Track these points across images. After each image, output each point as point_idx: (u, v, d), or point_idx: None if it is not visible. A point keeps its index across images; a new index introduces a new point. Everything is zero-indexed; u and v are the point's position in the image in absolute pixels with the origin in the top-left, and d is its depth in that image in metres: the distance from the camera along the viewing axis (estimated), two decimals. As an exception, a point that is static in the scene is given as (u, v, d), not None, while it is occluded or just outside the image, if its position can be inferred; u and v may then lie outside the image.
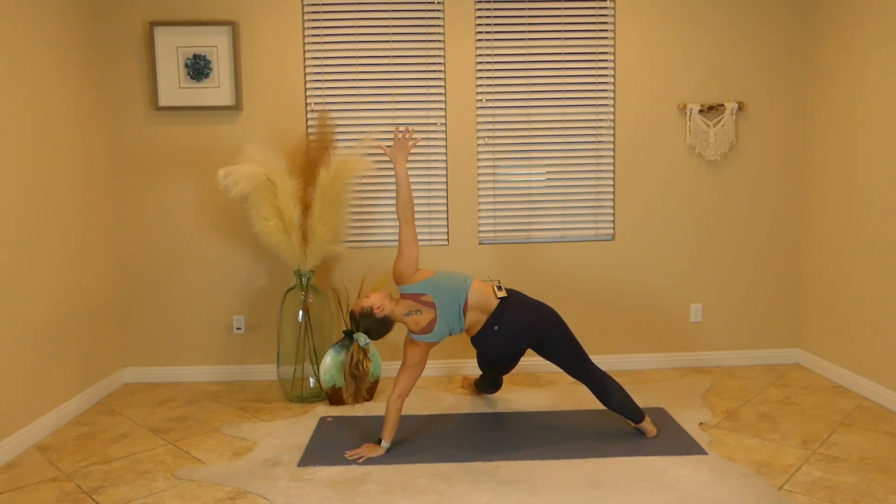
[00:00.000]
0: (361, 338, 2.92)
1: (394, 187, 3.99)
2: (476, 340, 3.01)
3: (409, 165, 3.98)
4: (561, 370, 3.92)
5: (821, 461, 2.76)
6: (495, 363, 3.09)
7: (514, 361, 3.09)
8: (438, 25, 3.92)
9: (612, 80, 3.99)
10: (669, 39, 3.96)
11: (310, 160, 3.68)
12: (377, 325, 2.91)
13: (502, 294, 2.98)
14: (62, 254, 3.37)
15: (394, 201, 3.99)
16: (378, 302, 2.91)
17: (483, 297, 2.96)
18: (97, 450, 3.00)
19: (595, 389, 3.00)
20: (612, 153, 4.02)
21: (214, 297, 3.98)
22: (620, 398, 2.99)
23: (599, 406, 3.40)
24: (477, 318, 2.97)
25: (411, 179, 3.98)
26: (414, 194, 3.99)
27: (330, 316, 3.70)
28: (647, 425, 3.01)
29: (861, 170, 3.55)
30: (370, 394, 3.59)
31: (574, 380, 3.88)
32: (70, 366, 3.43)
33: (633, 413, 3.00)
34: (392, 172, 3.97)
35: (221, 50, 3.82)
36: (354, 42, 3.91)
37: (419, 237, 4.01)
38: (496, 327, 2.94)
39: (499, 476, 2.64)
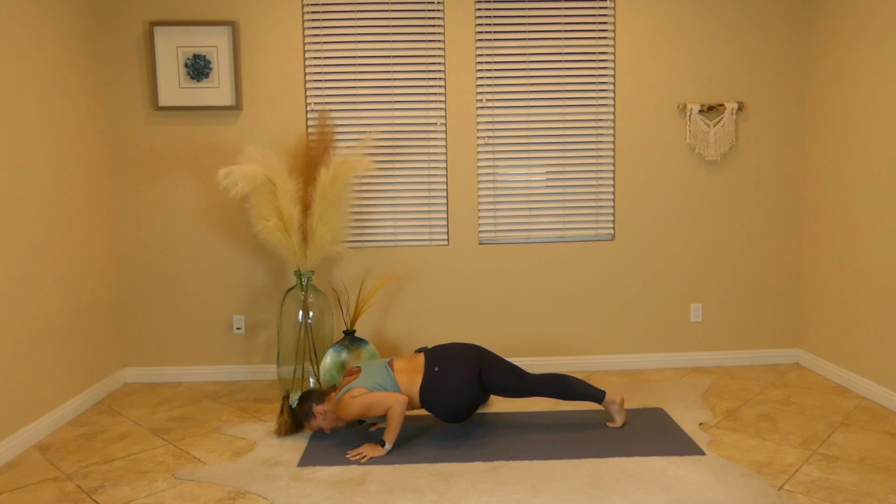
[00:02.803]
0: (295, 397, 3.09)
1: (393, 187, 3.99)
2: (426, 396, 2.96)
3: (409, 166, 3.98)
4: (552, 363, 3.93)
5: (821, 461, 2.76)
6: (460, 407, 2.99)
7: (479, 397, 3.02)
8: (438, 25, 3.92)
9: (612, 80, 3.99)
10: (669, 39, 3.96)
11: (310, 160, 3.69)
12: (316, 396, 3.08)
13: (418, 349, 3.15)
14: (62, 254, 3.38)
15: (393, 201, 3.99)
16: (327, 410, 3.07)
17: (406, 360, 3.08)
18: (97, 450, 3.00)
19: (554, 386, 3.06)
20: (612, 153, 4.02)
21: (214, 297, 3.99)
22: (579, 383, 3.08)
23: (598, 406, 3.39)
24: (410, 379, 2.99)
25: (412, 180, 3.99)
26: (414, 194, 4.00)
27: (330, 316, 3.70)
28: (613, 396, 3.11)
29: (861, 170, 3.55)
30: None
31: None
32: (70, 366, 3.43)
33: (596, 393, 3.08)
34: (392, 173, 3.97)
35: (221, 50, 3.82)
36: (354, 42, 3.91)
37: (419, 237, 4.01)
38: (436, 368, 2.98)
39: (498, 476, 2.64)
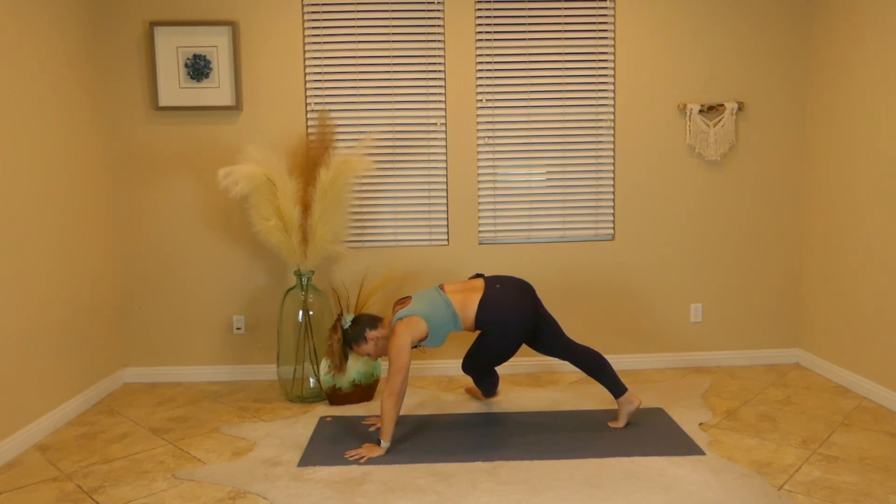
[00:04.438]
0: (348, 318, 3.07)
1: (393, 187, 3.99)
2: (484, 311, 2.95)
3: (409, 166, 3.98)
4: (553, 362, 3.94)
5: (821, 461, 2.76)
6: (514, 330, 2.95)
7: (528, 334, 3.03)
8: (438, 25, 3.92)
9: (612, 80, 3.99)
10: (669, 39, 3.96)
11: (310, 160, 3.68)
12: (368, 320, 3.05)
13: (473, 275, 3.16)
14: (62, 253, 3.38)
15: (393, 201, 3.99)
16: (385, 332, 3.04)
17: (460, 283, 3.10)
18: (97, 450, 3.00)
19: (588, 360, 3.10)
20: (612, 153, 4.02)
21: (214, 297, 3.99)
22: (611, 369, 3.11)
23: (599, 406, 3.40)
24: (465, 298, 3.01)
25: (412, 180, 3.99)
26: (414, 194, 4.00)
27: (330, 316, 3.69)
28: (633, 396, 3.11)
29: (860, 169, 3.55)
30: (369, 394, 3.58)
31: (573, 380, 3.89)
32: (70, 366, 3.43)
33: (620, 386, 3.10)
34: (392, 173, 3.97)
35: (221, 50, 3.82)
36: (354, 42, 3.91)
37: (419, 237, 4.01)
38: (498, 286, 3.02)
39: (498, 476, 2.64)
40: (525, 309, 3.00)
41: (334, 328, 3.06)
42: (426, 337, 2.97)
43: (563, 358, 3.13)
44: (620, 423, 3.11)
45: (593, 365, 3.11)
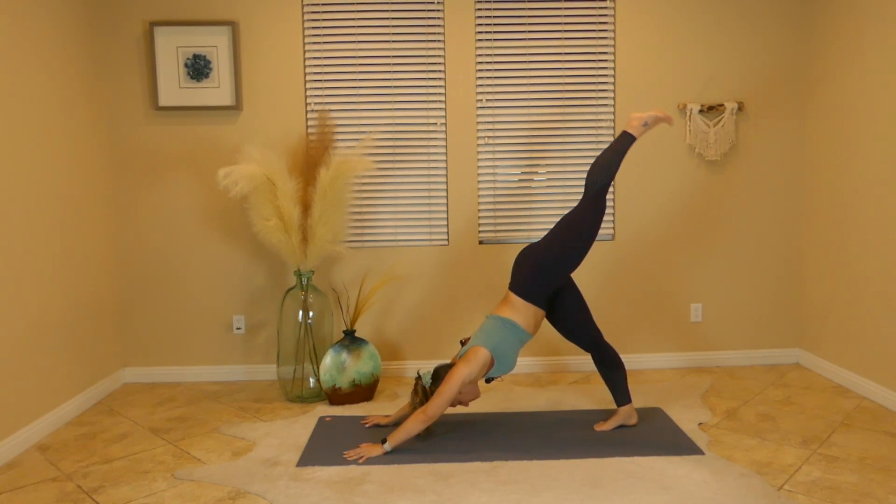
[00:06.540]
0: (427, 376, 2.99)
1: (393, 187, 3.99)
2: (524, 285, 2.92)
3: (409, 166, 3.98)
4: (553, 361, 3.93)
5: (821, 461, 2.76)
6: (564, 257, 2.94)
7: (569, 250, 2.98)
8: (438, 25, 3.92)
9: (612, 80, 3.99)
10: (669, 39, 3.96)
11: (310, 160, 3.69)
12: (447, 371, 2.95)
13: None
14: (62, 254, 3.38)
15: (393, 201, 3.99)
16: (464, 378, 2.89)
17: (501, 302, 3.02)
18: (97, 450, 3.00)
19: (608, 358, 3.07)
20: (612, 153, 4.02)
21: (214, 297, 3.99)
22: (624, 376, 3.08)
23: (599, 406, 3.40)
24: (508, 302, 2.96)
25: (412, 180, 3.99)
26: (414, 194, 4.00)
27: (330, 316, 3.70)
28: (632, 411, 3.10)
29: (860, 170, 3.55)
30: (369, 394, 3.58)
31: (573, 380, 3.89)
32: (70, 366, 3.43)
33: (625, 396, 3.08)
34: (392, 173, 3.97)
35: (221, 50, 3.82)
36: (354, 42, 3.91)
37: (419, 237, 4.01)
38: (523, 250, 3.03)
39: (498, 476, 2.64)
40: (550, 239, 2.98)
41: (415, 391, 3.00)
42: (492, 363, 2.90)
43: (587, 339, 3.04)
44: (606, 428, 3.09)
45: (609, 361, 3.06)
